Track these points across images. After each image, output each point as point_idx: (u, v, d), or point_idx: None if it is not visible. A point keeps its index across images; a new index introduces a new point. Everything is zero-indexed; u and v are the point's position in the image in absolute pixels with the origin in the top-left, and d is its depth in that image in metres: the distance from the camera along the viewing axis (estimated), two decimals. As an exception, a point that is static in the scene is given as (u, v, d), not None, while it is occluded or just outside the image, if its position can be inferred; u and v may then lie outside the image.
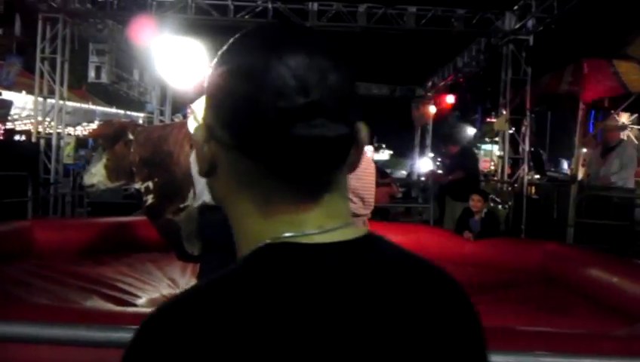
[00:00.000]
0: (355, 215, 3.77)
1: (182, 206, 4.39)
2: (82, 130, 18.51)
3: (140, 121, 15.37)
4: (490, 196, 10.35)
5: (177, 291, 4.97)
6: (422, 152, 19.04)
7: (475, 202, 6.50)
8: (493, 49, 10.78)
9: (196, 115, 3.87)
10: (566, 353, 1.31)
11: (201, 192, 3.89)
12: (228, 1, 10.29)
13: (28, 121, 15.69)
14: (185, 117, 6.78)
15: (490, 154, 19.81)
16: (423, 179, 16.44)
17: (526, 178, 10.12)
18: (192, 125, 3.93)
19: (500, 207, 10.11)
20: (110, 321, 1.97)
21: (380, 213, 9.31)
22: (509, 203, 9.97)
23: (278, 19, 10.27)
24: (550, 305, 4.38)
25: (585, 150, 9.92)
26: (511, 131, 10.50)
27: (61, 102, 10.47)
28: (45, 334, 1.28)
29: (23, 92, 14.82)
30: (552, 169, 18.63)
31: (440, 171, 15.07)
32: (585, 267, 5.03)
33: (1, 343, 1.87)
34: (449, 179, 8.50)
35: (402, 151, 37.46)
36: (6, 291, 4.08)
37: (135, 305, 4.35)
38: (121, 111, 17.90)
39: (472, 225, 6.29)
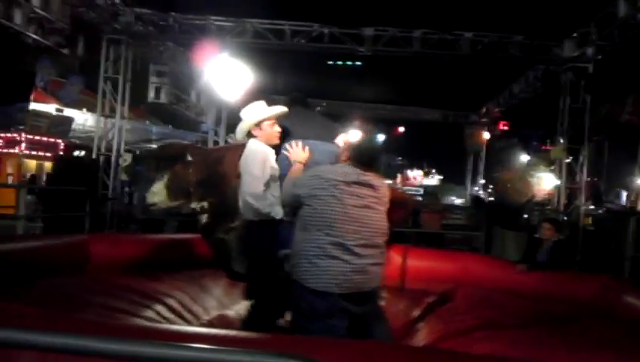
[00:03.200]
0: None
1: (232, 225, 4.46)
2: (139, 148, 19.05)
3: (195, 141, 15.74)
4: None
5: (226, 311, 5.03)
6: (474, 178, 18.80)
7: (545, 230, 6.27)
8: (551, 76, 10.61)
9: (244, 121, 3.98)
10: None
11: (243, 209, 3.96)
12: (285, 25, 10.49)
13: (86, 136, 16.27)
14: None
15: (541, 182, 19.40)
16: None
17: (582, 208, 9.84)
18: (239, 132, 4.03)
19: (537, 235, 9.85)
20: (164, 339, 2.00)
21: (434, 240, 9.22)
22: (565, 234, 9.70)
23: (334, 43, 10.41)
24: (604, 341, 4.22)
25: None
26: (568, 160, 10.25)
27: (122, 121, 10.82)
28: (102, 348, 1.32)
29: (84, 109, 15.44)
30: (610, 200, 18.06)
31: (491, 198, 14.85)
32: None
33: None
34: None
35: (453, 176, 37.05)
36: (62, 304, 4.20)
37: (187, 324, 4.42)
38: (178, 131, 18.39)
39: (540, 254, 6.06)
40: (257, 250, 3.88)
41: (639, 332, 4.47)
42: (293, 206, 3.40)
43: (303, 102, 4.49)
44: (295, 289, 3.20)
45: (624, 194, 19.70)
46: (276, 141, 3.98)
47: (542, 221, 6.61)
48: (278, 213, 3.73)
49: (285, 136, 3.99)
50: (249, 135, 3.99)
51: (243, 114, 4.04)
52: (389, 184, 3.69)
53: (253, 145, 3.89)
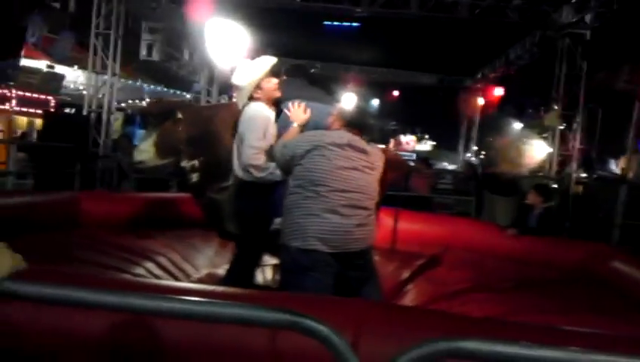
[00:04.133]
0: None
1: (224, 185, 4.43)
2: (130, 106, 18.85)
3: (188, 100, 15.59)
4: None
5: (217, 269, 5.05)
6: (467, 144, 18.79)
7: (531, 197, 6.29)
8: (548, 42, 10.51)
9: (242, 87, 3.91)
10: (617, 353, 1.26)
11: (242, 175, 3.93)
12: (281, -17, 10.30)
13: (77, 94, 16.06)
14: (230, 98, 6.78)
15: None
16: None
17: (574, 176, 9.87)
18: (240, 99, 3.96)
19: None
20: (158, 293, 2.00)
21: (422, 204, 9.23)
22: (555, 201, 9.74)
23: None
24: (590, 305, 4.27)
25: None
26: (562, 127, 10.24)
27: (113, 77, 10.66)
28: (100, 300, 1.31)
29: (75, 66, 15.19)
30: (600, 168, 18.14)
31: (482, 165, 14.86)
32: (628, 269, 4.89)
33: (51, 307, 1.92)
34: None
35: (445, 143, 37.01)
36: (54, 259, 4.19)
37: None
38: (169, 90, 18.18)
39: (530, 220, 6.11)
40: (251, 211, 3.87)
41: (626, 297, 4.54)
42: (285, 169, 3.40)
43: (305, 73, 4.43)
44: (282, 251, 3.24)
45: (613, 162, 19.77)
46: (277, 94, 3.92)
47: (531, 187, 6.63)
48: (277, 176, 3.71)
49: (284, 99, 3.93)
50: (250, 98, 3.91)
51: (236, 79, 3.94)
52: (382, 147, 3.67)
53: (252, 109, 3.82)
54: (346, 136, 3.29)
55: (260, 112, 3.79)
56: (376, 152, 3.42)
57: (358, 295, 3.27)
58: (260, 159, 3.68)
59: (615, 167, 18.50)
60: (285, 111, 3.82)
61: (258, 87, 3.85)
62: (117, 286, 2.11)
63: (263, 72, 3.87)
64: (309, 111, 3.77)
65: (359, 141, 3.32)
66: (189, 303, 1.34)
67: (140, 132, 14.36)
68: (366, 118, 3.51)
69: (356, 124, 3.38)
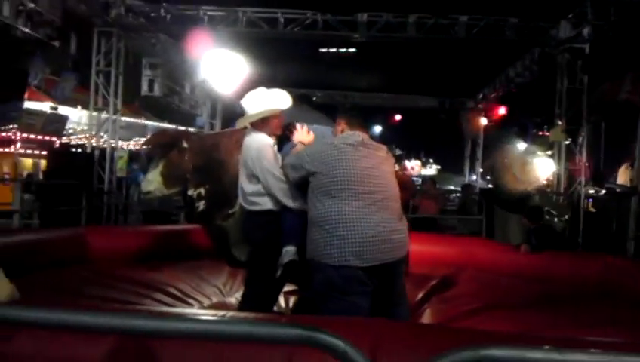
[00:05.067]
0: None
1: (230, 212, 4.40)
2: (135, 144, 18.93)
3: (190, 134, 15.63)
4: (546, 209, 10.05)
5: (226, 298, 4.96)
6: (472, 165, 18.72)
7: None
8: (548, 58, 10.53)
9: (246, 111, 3.87)
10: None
11: (240, 198, 3.88)
12: (277, 13, 10.39)
13: (83, 136, 16.14)
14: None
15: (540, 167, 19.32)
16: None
17: (583, 190, 9.78)
18: (242, 122, 3.92)
19: (556, 220, 9.77)
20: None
21: (429, 225, 9.16)
22: (566, 216, 9.63)
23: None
24: (608, 320, 4.17)
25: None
26: (567, 142, 10.19)
27: (114, 114, 10.72)
28: (105, 323, 1.24)
29: (79, 107, 15.30)
30: (610, 181, 18.03)
31: (490, 186, 14.79)
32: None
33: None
34: None
35: (451, 165, 36.98)
36: (61, 295, 4.13)
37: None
38: (173, 126, 18.26)
39: (531, 238, 6.11)
40: (258, 239, 3.80)
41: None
42: (301, 183, 3.31)
43: (309, 102, 4.42)
44: (311, 268, 3.08)
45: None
46: (279, 132, 3.88)
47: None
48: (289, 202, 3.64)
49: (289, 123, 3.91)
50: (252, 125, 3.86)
51: (246, 104, 3.88)
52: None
53: (257, 139, 3.75)
54: (358, 135, 3.21)
55: (264, 140, 3.73)
56: (384, 148, 3.36)
57: (388, 313, 3.12)
58: (285, 186, 3.60)
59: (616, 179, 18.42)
60: (292, 140, 3.76)
61: (264, 120, 3.79)
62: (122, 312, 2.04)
63: (274, 111, 3.81)
64: (312, 133, 3.74)
65: (369, 139, 3.26)
66: (197, 322, 1.28)
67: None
68: (360, 109, 3.50)
69: (355, 112, 3.35)
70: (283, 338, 1.25)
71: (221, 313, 2.26)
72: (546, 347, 1.19)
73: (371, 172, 3.10)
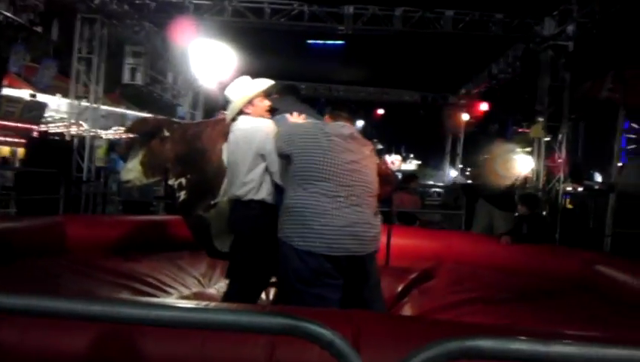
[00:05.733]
0: None
1: (212, 203, 4.36)
2: (114, 133, 18.73)
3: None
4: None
5: (206, 289, 4.93)
6: (452, 161, 18.83)
7: (519, 208, 6.52)
8: (531, 55, 10.59)
9: (234, 100, 3.84)
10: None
11: (229, 186, 3.86)
12: (264, 4, 10.32)
13: (62, 124, 15.92)
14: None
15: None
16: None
17: (561, 187, 9.88)
18: (231, 112, 3.89)
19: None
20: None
21: (407, 219, 9.18)
22: (544, 212, 9.73)
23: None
24: (586, 314, 4.22)
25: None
26: (547, 139, 10.27)
27: (95, 102, 10.58)
28: (86, 310, 1.22)
29: (58, 95, 15.08)
30: (586, 178, 18.27)
31: (469, 181, 14.90)
32: (623, 276, 4.85)
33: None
34: None
35: (431, 161, 37.13)
36: (38, 284, 4.07)
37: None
38: (153, 116, 18.10)
39: (524, 228, 6.20)
40: (249, 231, 3.77)
41: (619, 305, 4.49)
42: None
43: (295, 92, 4.41)
44: (281, 249, 3.08)
45: (598, 175, 19.91)
46: (267, 115, 3.87)
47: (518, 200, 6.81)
48: None
49: (277, 114, 3.90)
50: (239, 113, 3.86)
51: (230, 93, 3.89)
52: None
53: (258, 121, 3.75)
54: (348, 128, 3.21)
55: (260, 123, 3.72)
56: (369, 144, 3.35)
57: (361, 303, 3.13)
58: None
59: (600, 179, 18.66)
60: (287, 116, 3.76)
61: (250, 103, 3.80)
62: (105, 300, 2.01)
63: (258, 91, 3.83)
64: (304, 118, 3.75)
65: (357, 133, 3.26)
66: (182, 311, 1.25)
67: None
68: (353, 110, 3.49)
69: (342, 104, 3.34)
70: (268, 327, 1.24)
71: (204, 302, 2.24)
72: (537, 339, 1.18)
73: (354, 166, 3.10)
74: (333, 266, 2.95)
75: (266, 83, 3.89)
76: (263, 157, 3.64)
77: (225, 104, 4.02)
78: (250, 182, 3.67)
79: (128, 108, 18.00)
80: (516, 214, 6.71)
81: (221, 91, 4.54)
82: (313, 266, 2.92)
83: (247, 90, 3.83)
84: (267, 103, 3.88)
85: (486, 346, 1.16)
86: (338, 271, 2.97)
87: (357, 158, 3.13)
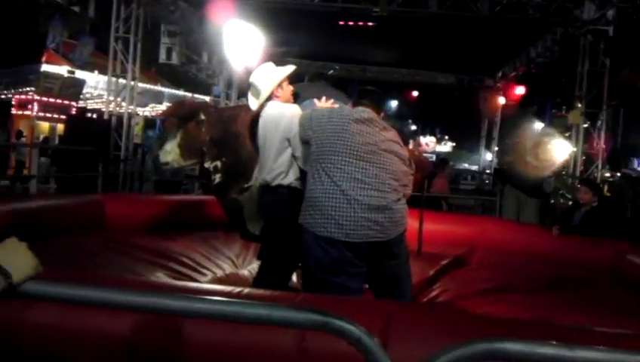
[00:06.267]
0: None
1: (246, 186, 4.43)
2: (151, 110, 18.99)
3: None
4: (561, 192, 9.99)
5: (240, 270, 5.03)
6: (488, 145, 18.61)
7: (582, 194, 6.09)
8: (570, 39, 10.36)
9: (264, 86, 3.88)
10: None
11: (260, 171, 3.93)
12: (300, -15, 10.29)
13: (100, 101, 16.20)
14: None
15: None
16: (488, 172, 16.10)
17: (600, 174, 9.72)
18: (262, 98, 3.93)
19: (570, 203, 9.74)
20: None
21: (440, 204, 9.15)
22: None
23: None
24: (618, 305, 4.19)
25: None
26: (586, 125, 10.09)
27: (132, 81, 10.75)
28: (126, 301, 1.28)
29: (96, 72, 15.35)
30: (625, 166, 17.91)
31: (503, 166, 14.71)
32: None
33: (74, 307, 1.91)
34: None
35: (466, 143, 36.73)
36: (77, 262, 4.21)
37: (200, 282, 4.41)
38: (189, 94, 18.28)
39: (575, 218, 5.98)
40: (279, 216, 3.83)
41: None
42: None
43: (325, 78, 4.42)
44: (303, 236, 3.10)
45: (638, 163, 19.48)
46: (292, 101, 3.91)
47: (579, 183, 6.47)
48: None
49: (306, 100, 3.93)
50: (269, 99, 3.91)
51: (257, 80, 3.91)
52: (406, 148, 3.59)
53: (284, 106, 3.81)
54: (368, 112, 3.21)
55: (290, 109, 3.77)
56: (393, 130, 3.35)
57: (388, 282, 3.16)
58: None
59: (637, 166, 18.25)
60: (315, 101, 3.78)
61: (280, 86, 3.85)
62: (140, 288, 2.09)
63: (285, 75, 3.87)
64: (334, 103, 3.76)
65: (379, 118, 3.26)
66: (215, 303, 1.31)
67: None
68: (381, 97, 3.50)
69: (371, 94, 3.36)
70: (299, 323, 1.29)
71: (238, 289, 2.31)
72: (563, 343, 1.20)
73: (372, 148, 3.07)
74: (355, 254, 2.94)
75: (291, 68, 3.93)
76: (289, 141, 3.69)
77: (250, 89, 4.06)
78: (278, 167, 3.73)
79: (164, 85, 18.22)
80: (577, 201, 6.34)
81: (247, 75, 4.57)
82: (334, 255, 2.92)
83: (275, 75, 3.87)
84: (291, 88, 3.93)
85: (513, 349, 1.18)
86: (360, 258, 2.96)
87: (375, 141, 3.09)
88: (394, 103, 26.72)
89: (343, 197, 2.94)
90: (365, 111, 3.22)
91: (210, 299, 1.31)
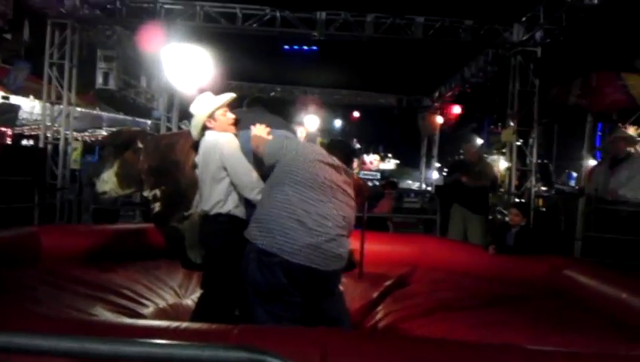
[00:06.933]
0: None
1: (186, 214, 4.40)
2: (90, 135, 18.53)
3: (148, 128, 15.45)
4: (497, 208, 10.31)
5: (182, 300, 4.96)
6: (428, 162, 19.02)
7: (512, 216, 6.32)
8: (501, 60, 10.77)
9: (196, 116, 3.92)
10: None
11: (200, 200, 3.94)
12: (236, 9, 10.34)
13: (35, 126, 15.71)
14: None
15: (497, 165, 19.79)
16: (429, 189, 16.42)
17: (533, 190, 10.07)
18: (194, 128, 3.96)
19: (506, 219, 10.05)
20: (119, 334, 1.95)
21: (380, 225, 9.25)
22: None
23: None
24: (556, 320, 4.33)
25: (591, 163, 9.88)
26: (518, 143, 10.46)
27: (69, 107, 10.50)
28: (53, 346, 1.26)
29: (31, 97, 14.88)
30: (559, 181, 18.58)
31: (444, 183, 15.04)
32: (592, 282, 4.96)
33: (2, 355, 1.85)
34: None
35: (408, 161, 37.35)
36: (12, 299, 4.06)
37: (142, 315, 4.33)
38: (129, 118, 17.96)
39: (508, 238, 6.16)
40: (218, 245, 3.82)
41: (587, 310, 4.61)
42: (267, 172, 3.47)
43: (263, 103, 4.46)
44: (243, 259, 3.16)
45: (574, 175, 20.26)
46: (232, 129, 3.93)
47: (509, 206, 6.73)
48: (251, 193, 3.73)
49: (243, 128, 3.95)
50: (204, 128, 3.93)
51: (193, 109, 3.98)
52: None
53: (220, 135, 3.82)
54: (335, 160, 3.38)
55: (224, 137, 3.79)
56: (352, 176, 3.46)
57: (324, 316, 3.22)
58: (258, 183, 3.70)
59: (574, 181, 18.98)
60: (252, 128, 3.81)
61: (211, 117, 3.87)
62: (71, 326, 2.05)
63: (221, 103, 3.90)
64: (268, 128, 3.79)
65: (344, 167, 3.38)
66: (147, 346, 1.31)
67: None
68: (352, 151, 3.66)
69: (343, 151, 3.49)
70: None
71: (175, 325, 2.29)
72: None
73: (332, 185, 3.23)
74: (291, 282, 3.00)
75: (226, 97, 3.97)
76: (225, 170, 3.72)
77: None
78: (216, 195, 3.75)
79: (104, 110, 17.84)
80: (506, 221, 6.60)
81: (192, 98, 4.59)
82: (271, 281, 2.98)
83: (207, 105, 3.90)
84: (231, 117, 3.95)
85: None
86: (296, 286, 3.03)
87: (337, 181, 3.26)
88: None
89: (295, 220, 3.04)
90: (334, 158, 3.36)
91: (140, 342, 1.30)
